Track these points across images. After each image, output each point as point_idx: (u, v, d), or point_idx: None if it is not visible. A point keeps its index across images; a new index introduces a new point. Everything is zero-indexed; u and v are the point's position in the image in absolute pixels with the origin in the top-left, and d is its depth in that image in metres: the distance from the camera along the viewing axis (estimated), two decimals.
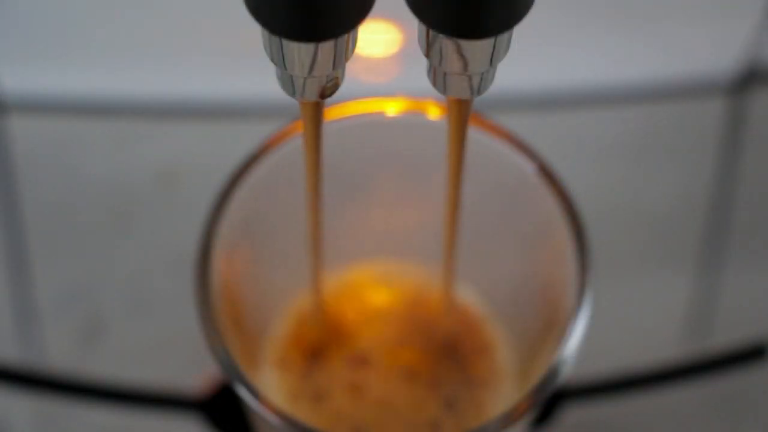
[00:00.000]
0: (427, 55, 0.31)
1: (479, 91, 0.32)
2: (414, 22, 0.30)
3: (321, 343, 0.42)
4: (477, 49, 0.30)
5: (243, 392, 0.37)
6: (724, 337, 0.52)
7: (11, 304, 0.53)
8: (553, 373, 0.37)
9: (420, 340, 0.43)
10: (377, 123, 0.41)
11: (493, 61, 0.31)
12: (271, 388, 0.42)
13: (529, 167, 0.40)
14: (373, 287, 0.44)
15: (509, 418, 0.36)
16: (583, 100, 0.58)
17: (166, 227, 0.55)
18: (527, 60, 0.53)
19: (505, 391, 0.42)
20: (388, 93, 0.42)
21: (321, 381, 0.42)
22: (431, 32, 0.30)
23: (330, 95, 0.32)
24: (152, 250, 0.54)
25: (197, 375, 0.47)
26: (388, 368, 0.42)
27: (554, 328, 0.39)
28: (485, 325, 0.43)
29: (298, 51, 0.30)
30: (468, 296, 0.43)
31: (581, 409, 0.50)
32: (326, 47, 0.30)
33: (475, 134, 0.38)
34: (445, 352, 0.42)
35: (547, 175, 0.40)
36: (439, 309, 0.42)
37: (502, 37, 0.30)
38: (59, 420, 0.51)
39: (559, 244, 0.39)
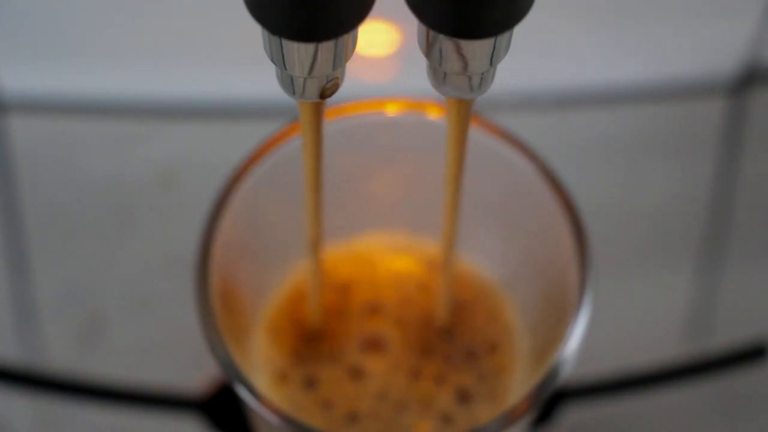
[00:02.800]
0: (427, 55, 0.31)
1: (479, 91, 0.32)
2: (414, 22, 0.30)
3: (318, 323, 0.42)
4: (477, 49, 0.30)
5: (243, 392, 0.37)
6: (724, 337, 0.52)
7: (11, 304, 0.53)
8: (553, 373, 0.37)
9: (427, 328, 0.43)
10: (377, 123, 0.41)
11: (493, 61, 0.31)
12: (260, 365, 0.42)
13: (529, 167, 0.40)
14: (377, 266, 0.44)
15: (509, 418, 0.36)
16: (583, 100, 0.58)
17: (166, 227, 0.55)
18: (527, 60, 0.53)
19: (520, 381, 0.42)
20: (388, 93, 0.42)
21: (314, 362, 0.42)
22: (431, 32, 0.30)
23: (330, 95, 0.32)
24: (152, 250, 0.54)
25: (197, 375, 0.47)
26: (393, 354, 0.42)
27: (561, 323, 0.39)
28: (498, 311, 0.43)
29: (298, 51, 0.30)
30: (477, 286, 0.43)
31: (581, 409, 0.50)
32: (326, 47, 0.30)
33: (475, 134, 0.38)
34: (454, 337, 0.42)
35: (547, 175, 0.40)
36: (444, 300, 0.42)
37: (502, 37, 0.30)
38: (59, 420, 0.51)
39: (559, 244, 0.39)
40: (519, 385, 0.41)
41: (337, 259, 0.44)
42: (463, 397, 0.41)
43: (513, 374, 0.42)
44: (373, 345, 0.42)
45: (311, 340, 0.42)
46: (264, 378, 0.41)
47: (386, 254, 0.44)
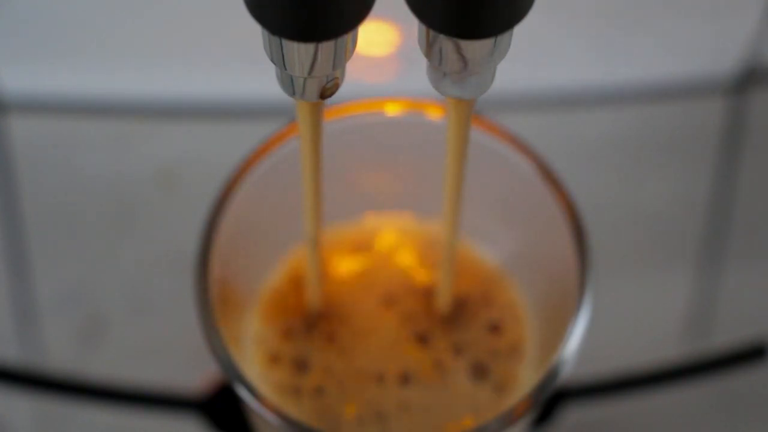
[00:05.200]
0: (427, 55, 0.31)
1: (479, 91, 0.32)
2: (414, 22, 0.30)
3: (316, 311, 0.42)
4: (477, 49, 0.30)
5: (243, 392, 0.37)
6: (724, 337, 0.52)
7: (11, 304, 0.53)
8: (553, 373, 0.37)
9: (427, 313, 0.42)
10: (377, 123, 0.41)
11: (493, 61, 0.31)
12: (252, 349, 0.42)
13: (529, 167, 0.40)
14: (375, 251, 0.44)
15: (509, 418, 0.36)
16: (583, 100, 0.58)
17: (166, 227, 0.55)
18: (527, 60, 0.53)
19: (532, 361, 0.41)
20: (388, 93, 0.42)
21: (308, 344, 0.42)
22: (431, 32, 0.30)
23: (330, 95, 0.32)
24: (152, 250, 0.54)
25: (197, 375, 0.47)
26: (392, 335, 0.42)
27: (561, 323, 0.39)
28: (505, 292, 0.43)
29: (298, 51, 0.30)
30: (479, 275, 0.43)
31: (581, 409, 0.50)
32: (326, 47, 0.30)
33: (475, 134, 0.38)
34: (455, 322, 0.42)
35: (547, 175, 0.40)
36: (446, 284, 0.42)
37: (502, 37, 0.30)
38: (59, 420, 0.51)
39: (559, 244, 0.39)
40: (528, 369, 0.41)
41: (336, 245, 0.44)
42: (470, 380, 0.41)
43: (524, 355, 0.41)
44: (370, 326, 0.42)
45: (306, 324, 0.42)
46: (256, 360, 0.41)
47: (384, 243, 0.44)
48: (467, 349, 0.42)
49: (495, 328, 0.42)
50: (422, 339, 0.42)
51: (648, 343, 0.53)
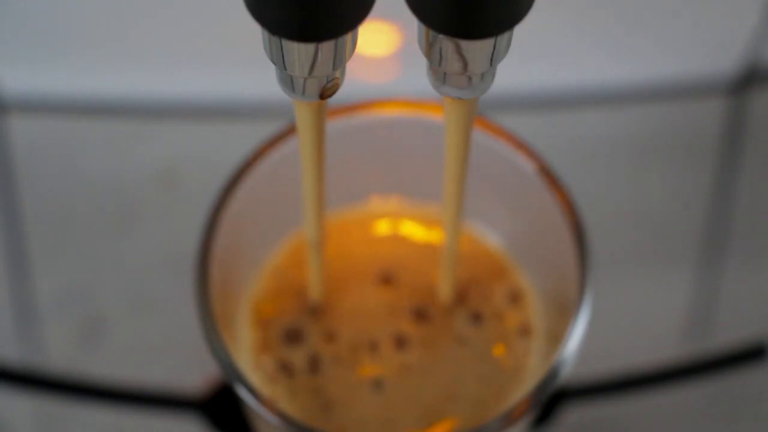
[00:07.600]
0: (427, 55, 0.31)
1: (479, 91, 0.32)
2: (414, 22, 0.30)
3: (316, 301, 0.42)
4: (477, 49, 0.30)
5: (243, 392, 0.37)
6: (724, 337, 0.52)
7: (11, 304, 0.53)
8: (553, 373, 0.37)
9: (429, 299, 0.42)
10: (377, 123, 0.41)
11: (493, 61, 0.31)
12: (246, 340, 0.42)
13: (529, 167, 0.40)
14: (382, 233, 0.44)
15: (509, 418, 0.36)
16: (583, 100, 0.58)
17: (166, 227, 0.55)
18: (527, 60, 0.53)
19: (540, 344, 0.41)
20: (388, 93, 0.42)
21: (299, 325, 0.42)
22: (431, 32, 0.30)
23: (330, 96, 0.32)
24: (152, 250, 0.54)
25: (197, 375, 0.48)
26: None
27: (561, 324, 0.39)
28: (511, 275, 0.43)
29: (298, 51, 0.30)
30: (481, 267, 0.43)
31: (581, 409, 0.50)
32: (326, 47, 0.30)
33: (475, 134, 0.38)
34: (456, 310, 0.42)
35: (547, 175, 0.40)
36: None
37: (502, 37, 0.30)
38: (59, 420, 0.51)
39: (559, 244, 0.39)
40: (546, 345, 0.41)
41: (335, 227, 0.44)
42: (476, 352, 0.41)
43: (531, 335, 0.41)
44: (366, 303, 0.42)
45: (301, 308, 0.42)
46: (250, 346, 0.41)
47: (385, 225, 0.44)
48: (474, 321, 0.42)
49: (506, 305, 0.42)
50: (422, 315, 0.42)
51: (648, 343, 0.53)
